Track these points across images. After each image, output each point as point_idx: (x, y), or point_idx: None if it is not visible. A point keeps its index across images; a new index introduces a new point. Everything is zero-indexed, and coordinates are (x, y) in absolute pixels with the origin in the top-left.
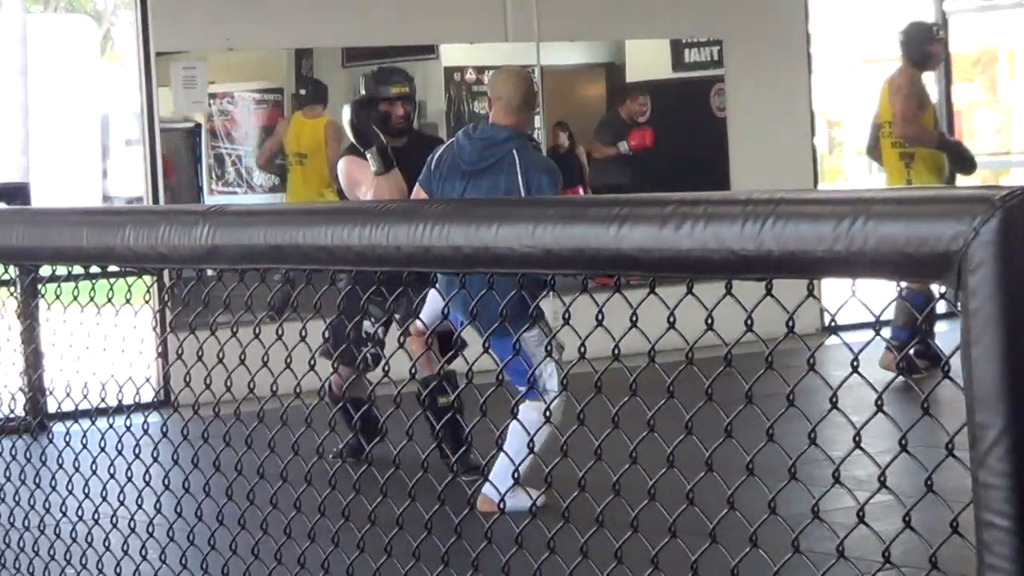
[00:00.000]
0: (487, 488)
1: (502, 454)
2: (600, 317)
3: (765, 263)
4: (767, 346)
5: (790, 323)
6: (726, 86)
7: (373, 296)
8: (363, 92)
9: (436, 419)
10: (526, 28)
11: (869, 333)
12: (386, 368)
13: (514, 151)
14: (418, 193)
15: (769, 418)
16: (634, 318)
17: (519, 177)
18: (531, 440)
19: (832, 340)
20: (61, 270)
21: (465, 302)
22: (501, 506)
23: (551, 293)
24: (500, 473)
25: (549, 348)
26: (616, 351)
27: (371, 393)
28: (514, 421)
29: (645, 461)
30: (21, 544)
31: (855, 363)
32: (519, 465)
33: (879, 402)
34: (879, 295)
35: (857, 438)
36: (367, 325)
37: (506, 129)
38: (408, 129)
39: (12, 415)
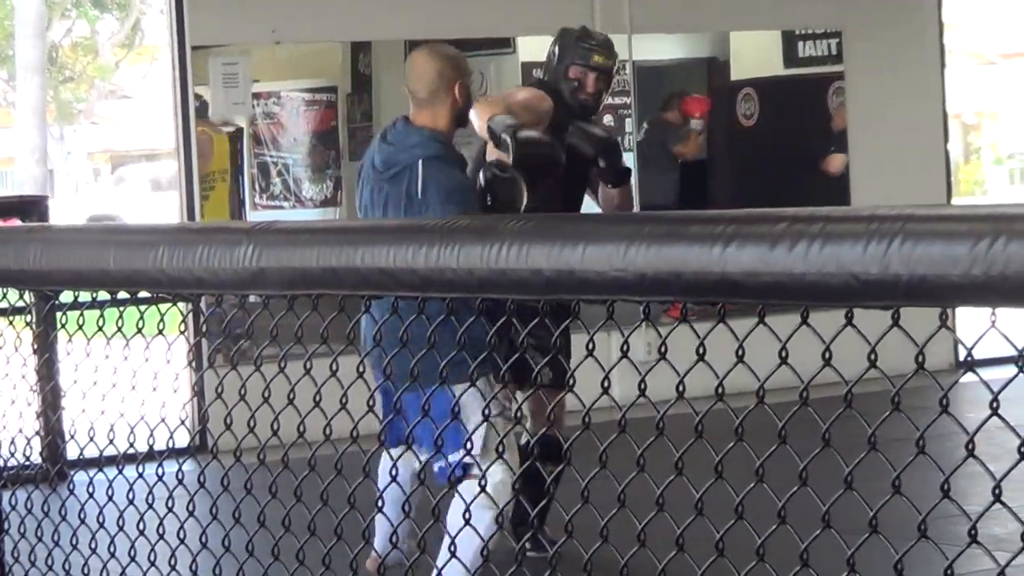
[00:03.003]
0: None
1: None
2: (701, 351)
3: (892, 289)
4: (893, 384)
5: (920, 358)
6: (846, 84)
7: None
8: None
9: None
10: (616, 18)
11: (1011, 369)
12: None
13: (419, 161)
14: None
15: (896, 467)
16: (740, 352)
17: (418, 194)
18: (484, 547)
19: (968, 377)
20: (84, 296)
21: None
22: None
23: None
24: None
25: (487, 411)
26: (720, 390)
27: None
28: (456, 508)
29: (756, 515)
30: None
31: (995, 404)
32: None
33: (1022, 449)
34: (1022, 326)
35: (997, 490)
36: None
37: (418, 131)
38: (592, 109)
39: (28, 463)
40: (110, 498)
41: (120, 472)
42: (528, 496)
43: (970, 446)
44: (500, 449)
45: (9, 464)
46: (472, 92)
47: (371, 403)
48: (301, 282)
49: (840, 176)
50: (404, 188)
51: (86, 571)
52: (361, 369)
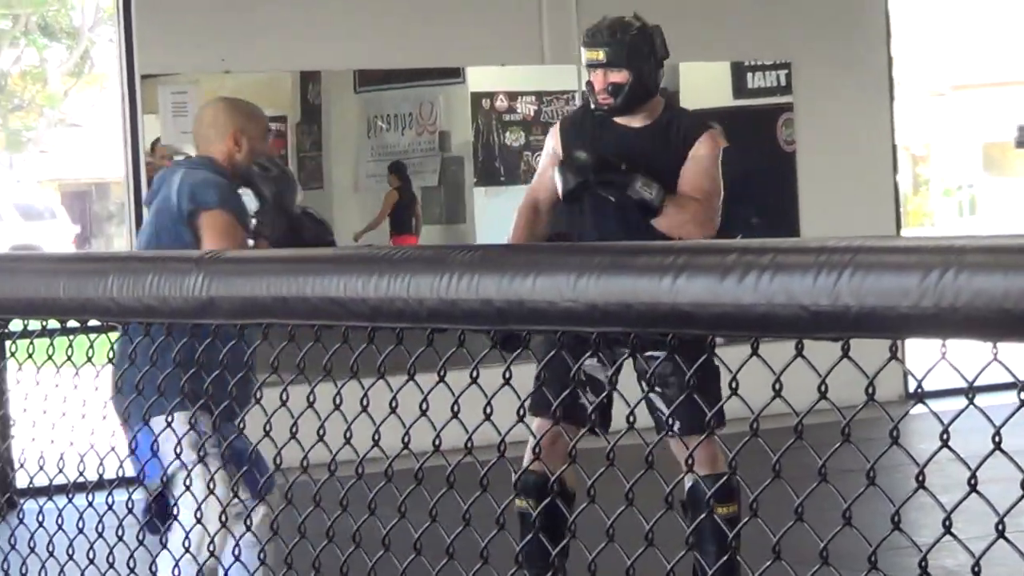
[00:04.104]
0: None
1: None
2: (651, 382)
3: (841, 321)
4: (844, 416)
5: (870, 389)
6: (795, 115)
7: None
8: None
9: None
10: (564, 49)
11: (961, 401)
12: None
13: (182, 168)
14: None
15: (846, 498)
16: (691, 382)
17: (172, 194)
18: None
19: (918, 409)
20: (34, 324)
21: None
22: None
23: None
24: None
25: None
26: (670, 421)
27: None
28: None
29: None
30: None
31: (945, 436)
32: None
33: (972, 481)
34: (972, 358)
35: (947, 522)
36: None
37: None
38: (616, 109)
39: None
40: (60, 527)
41: (70, 501)
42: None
43: (920, 478)
44: (211, 486)
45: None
46: (255, 143)
47: (348, 436)
48: (251, 311)
49: (789, 206)
50: (163, 193)
51: None
52: (311, 399)
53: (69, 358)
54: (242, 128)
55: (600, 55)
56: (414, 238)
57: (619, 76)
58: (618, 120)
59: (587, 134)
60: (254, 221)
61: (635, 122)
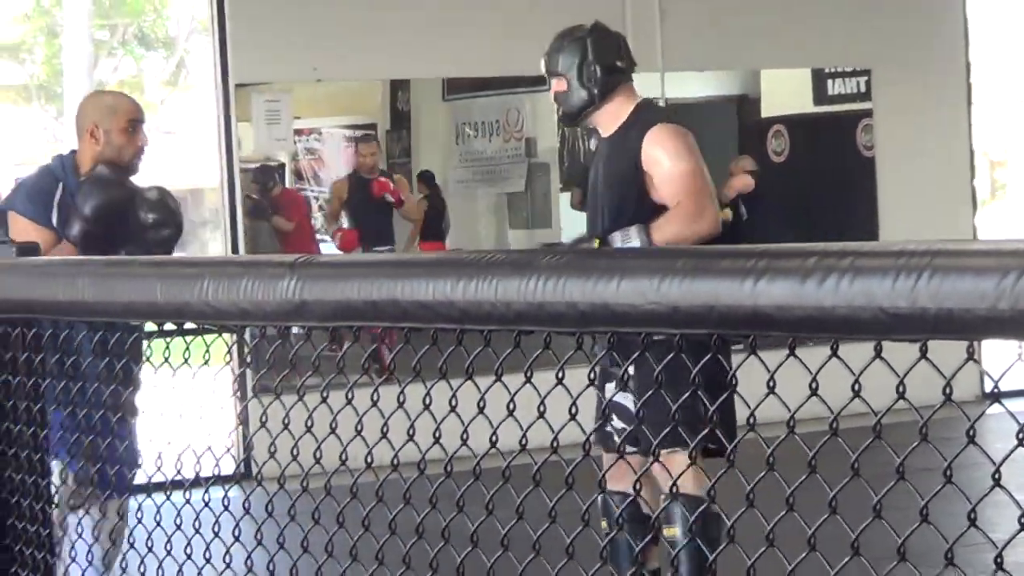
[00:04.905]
0: None
1: None
2: (733, 382)
3: (920, 323)
4: (921, 415)
5: (947, 390)
6: (874, 121)
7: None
8: None
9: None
10: (649, 56)
11: None
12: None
13: None
14: None
15: (923, 496)
16: (771, 383)
17: None
18: None
19: (995, 408)
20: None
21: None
22: None
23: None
24: None
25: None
26: (752, 420)
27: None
28: None
29: (787, 543)
30: None
31: (1021, 435)
32: None
33: None
34: None
35: (1022, 519)
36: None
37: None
38: (563, 118)
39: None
40: (158, 523)
41: (168, 498)
42: None
43: (996, 476)
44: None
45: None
46: (113, 137)
47: (411, 431)
48: (343, 314)
49: (869, 210)
50: None
51: None
52: (402, 399)
53: (166, 360)
54: (98, 122)
55: (543, 64)
56: (442, 244)
57: (559, 84)
58: (598, 129)
59: (594, 149)
60: (75, 227)
61: (607, 131)
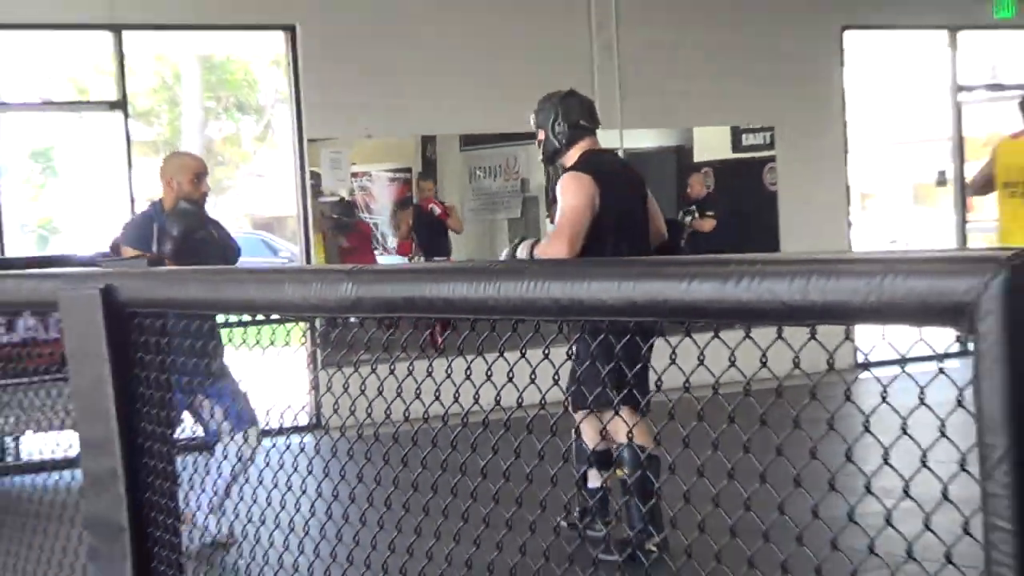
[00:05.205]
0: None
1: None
2: (673, 356)
3: (810, 312)
4: (811, 380)
5: (830, 361)
6: (777, 165)
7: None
8: None
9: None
10: (611, 116)
11: (895, 369)
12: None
13: None
14: None
15: (813, 439)
16: (701, 357)
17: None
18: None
19: (865, 375)
20: (233, 318)
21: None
22: None
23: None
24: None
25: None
26: (686, 384)
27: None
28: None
29: (713, 474)
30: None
31: (884, 394)
32: None
33: (903, 426)
34: (903, 338)
35: (885, 455)
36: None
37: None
38: (543, 160)
39: (195, 435)
40: (253, 461)
41: (259, 443)
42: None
43: (866, 424)
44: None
45: (182, 437)
46: (183, 186)
47: (437, 394)
48: (386, 308)
49: (772, 230)
50: None
51: (236, 513)
52: (430, 370)
53: (258, 342)
54: (173, 175)
55: (531, 119)
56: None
57: (540, 134)
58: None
59: None
60: (168, 246)
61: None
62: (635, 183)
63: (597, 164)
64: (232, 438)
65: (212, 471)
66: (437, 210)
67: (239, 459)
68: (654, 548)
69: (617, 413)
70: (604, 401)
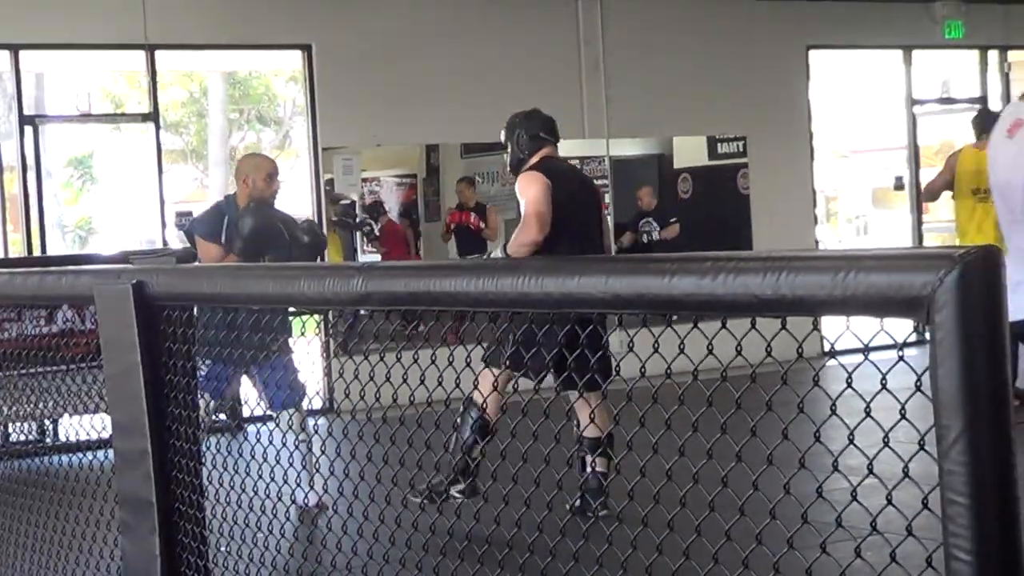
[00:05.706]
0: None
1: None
2: (656, 345)
3: (780, 304)
4: (782, 367)
5: (799, 349)
6: (749, 171)
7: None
8: None
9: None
10: (599, 127)
11: (859, 357)
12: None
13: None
14: None
15: (784, 421)
16: (682, 346)
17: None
18: None
19: (831, 362)
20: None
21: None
22: None
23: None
24: None
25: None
26: (668, 371)
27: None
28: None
29: (692, 454)
30: (225, 515)
31: (849, 379)
32: None
33: (867, 409)
34: (866, 328)
35: (850, 436)
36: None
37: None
38: (510, 171)
39: (216, 420)
40: (271, 442)
41: (277, 425)
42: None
43: (832, 407)
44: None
45: (205, 421)
46: (257, 183)
47: (440, 379)
48: (393, 301)
49: (745, 230)
50: None
51: (255, 489)
52: (434, 358)
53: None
54: (248, 173)
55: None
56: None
57: (508, 148)
58: None
59: None
60: (237, 243)
61: None
62: (589, 189)
63: (550, 166)
64: (289, 413)
65: (302, 447)
66: (469, 225)
67: (303, 429)
68: (458, 495)
69: (526, 378)
70: (512, 364)
